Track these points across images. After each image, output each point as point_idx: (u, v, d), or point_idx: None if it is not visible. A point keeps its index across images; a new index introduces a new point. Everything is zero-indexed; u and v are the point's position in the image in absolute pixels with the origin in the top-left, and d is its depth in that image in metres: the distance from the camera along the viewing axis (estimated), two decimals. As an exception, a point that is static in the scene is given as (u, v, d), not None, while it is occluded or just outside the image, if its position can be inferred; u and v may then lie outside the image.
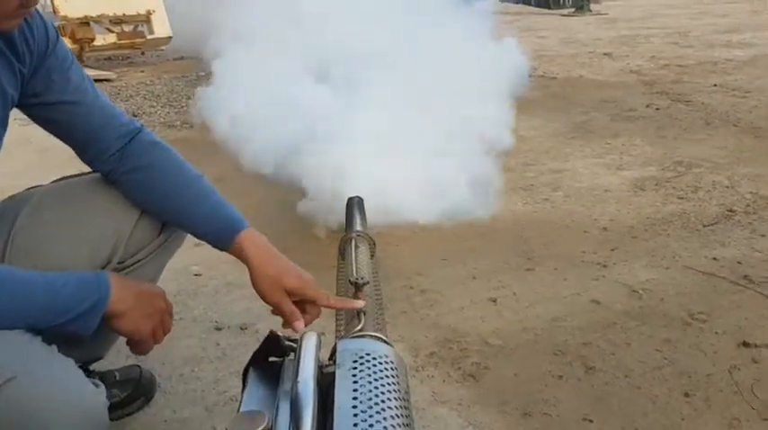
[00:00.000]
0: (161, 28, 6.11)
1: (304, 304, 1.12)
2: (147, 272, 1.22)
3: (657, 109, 4.11)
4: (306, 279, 1.12)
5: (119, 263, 1.18)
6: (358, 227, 1.45)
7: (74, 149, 1.19)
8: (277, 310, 1.12)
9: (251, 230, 1.15)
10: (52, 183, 1.23)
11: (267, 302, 1.12)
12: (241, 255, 1.13)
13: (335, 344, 0.89)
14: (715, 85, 4.70)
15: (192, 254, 2.08)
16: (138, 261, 1.20)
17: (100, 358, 1.33)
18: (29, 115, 1.13)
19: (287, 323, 1.12)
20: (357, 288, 1.14)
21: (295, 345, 0.88)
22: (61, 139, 1.17)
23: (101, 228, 1.16)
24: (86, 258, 1.13)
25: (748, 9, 10.07)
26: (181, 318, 1.74)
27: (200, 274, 2.01)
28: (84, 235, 1.14)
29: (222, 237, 1.14)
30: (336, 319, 1.14)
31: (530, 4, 10.41)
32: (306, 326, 1.12)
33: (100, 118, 1.15)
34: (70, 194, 1.19)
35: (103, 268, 1.14)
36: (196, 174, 1.19)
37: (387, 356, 0.86)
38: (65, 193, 1.19)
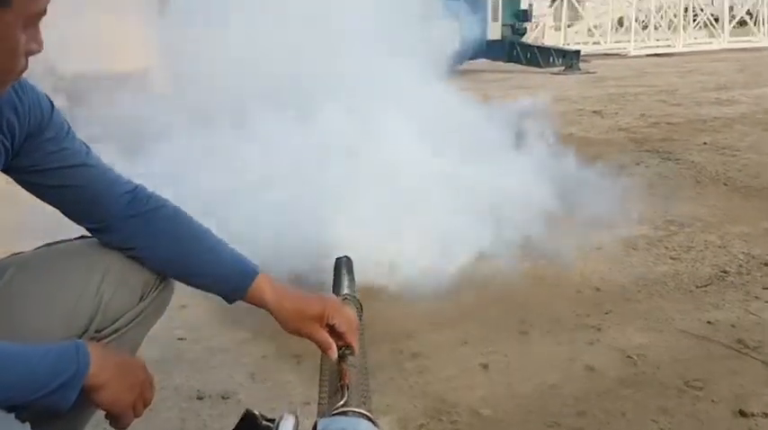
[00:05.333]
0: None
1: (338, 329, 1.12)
2: (128, 340, 1.17)
3: (647, 167, 4.13)
4: (327, 301, 1.13)
5: (96, 331, 1.14)
6: (345, 289, 1.41)
7: (75, 216, 1.15)
8: (312, 341, 1.12)
9: (265, 274, 1.15)
10: (35, 250, 1.20)
11: (300, 336, 1.13)
12: (259, 299, 1.13)
13: (315, 423, 0.85)
14: (704, 143, 4.74)
15: (176, 316, 2.05)
16: (118, 329, 1.17)
17: (76, 435, 1.27)
18: (30, 187, 1.10)
19: (323, 352, 1.12)
20: (341, 358, 1.10)
21: (272, 425, 0.84)
22: (64, 207, 1.13)
23: (78, 294, 1.12)
24: (63, 326, 1.09)
25: (735, 67, 10.29)
26: (162, 387, 1.68)
27: (183, 339, 1.96)
28: (61, 302, 1.11)
29: (241, 283, 1.13)
30: (319, 391, 1.09)
31: (520, 63, 10.60)
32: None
33: (103, 179, 1.14)
34: (49, 262, 1.15)
35: (81, 336, 1.10)
36: (206, 227, 1.19)
37: (369, 437, 0.83)
38: (43, 261, 1.16)
